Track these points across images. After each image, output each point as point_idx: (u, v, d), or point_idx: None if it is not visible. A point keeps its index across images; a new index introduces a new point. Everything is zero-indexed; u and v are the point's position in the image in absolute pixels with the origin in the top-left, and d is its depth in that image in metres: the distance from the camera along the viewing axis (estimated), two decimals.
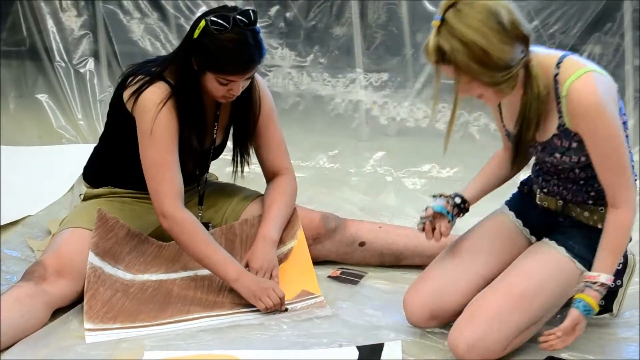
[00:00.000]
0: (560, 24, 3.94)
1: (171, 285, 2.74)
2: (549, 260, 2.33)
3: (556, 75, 2.19)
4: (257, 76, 2.83)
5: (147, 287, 2.71)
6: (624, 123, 2.22)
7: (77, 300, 2.62)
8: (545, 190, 2.41)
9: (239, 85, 2.62)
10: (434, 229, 2.44)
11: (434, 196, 2.50)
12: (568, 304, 2.29)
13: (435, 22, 2.11)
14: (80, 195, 2.94)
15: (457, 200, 2.46)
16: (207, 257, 2.66)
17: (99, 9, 4.49)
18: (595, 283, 2.19)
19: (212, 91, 2.64)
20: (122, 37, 4.49)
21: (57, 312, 2.58)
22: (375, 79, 4.25)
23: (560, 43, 3.95)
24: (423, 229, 2.45)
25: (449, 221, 2.44)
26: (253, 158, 2.94)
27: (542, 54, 2.22)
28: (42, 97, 4.56)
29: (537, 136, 2.27)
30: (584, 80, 2.14)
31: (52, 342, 2.45)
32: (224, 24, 2.53)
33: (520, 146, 2.28)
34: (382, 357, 2.35)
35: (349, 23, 4.25)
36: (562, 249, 2.34)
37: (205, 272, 2.78)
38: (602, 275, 2.19)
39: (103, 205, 2.79)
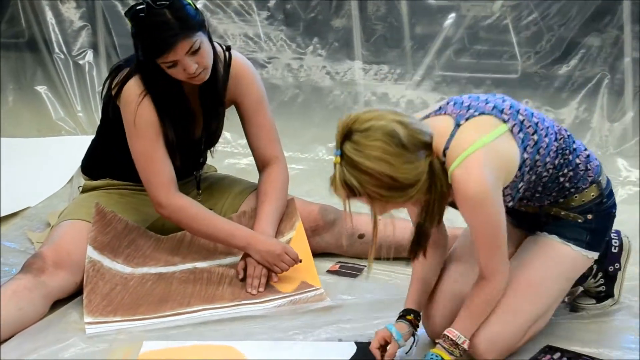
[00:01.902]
0: (559, 17, 3.93)
1: (170, 278, 2.74)
2: (546, 249, 2.36)
3: (445, 150, 2.10)
4: (242, 62, 2.80)
5: (146, 280, 2.71)
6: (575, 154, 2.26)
7: (76, 293, 2.62)
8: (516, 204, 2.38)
9: (188, 62, 2.52)
10: (382, 347, 2.31)
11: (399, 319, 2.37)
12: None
13: (336, 159, 2.05)
14: (79, 187, 2.94)
15: (411, 316, 2.33)
16: (213, 235, 2.72)
17: (98, 1, 4.48)
18: (450, 339, 2.20)
19: (174, 76, 2.59)
20: (121, 29, 4.47)
21: (56, 304, 2.58)
22: (374, 71, 4.25)
23: (560, 36, 3.94)
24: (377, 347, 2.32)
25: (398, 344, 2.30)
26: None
27: (439, 125, 2.13)
28: (41, 89, 4.55)
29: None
30: (466, 167, 2.06)
31: (51, 334, 2.45)
32: (138, 11, 2.50)
33: (422, 236, 2.20)
34: None
35: (348, 15, 4.24)
36: (554, 237, 2.36)
37: (205, 264, 2.78)
38: (460, 336, 2.20)
39: (101, 198, 2.79)
